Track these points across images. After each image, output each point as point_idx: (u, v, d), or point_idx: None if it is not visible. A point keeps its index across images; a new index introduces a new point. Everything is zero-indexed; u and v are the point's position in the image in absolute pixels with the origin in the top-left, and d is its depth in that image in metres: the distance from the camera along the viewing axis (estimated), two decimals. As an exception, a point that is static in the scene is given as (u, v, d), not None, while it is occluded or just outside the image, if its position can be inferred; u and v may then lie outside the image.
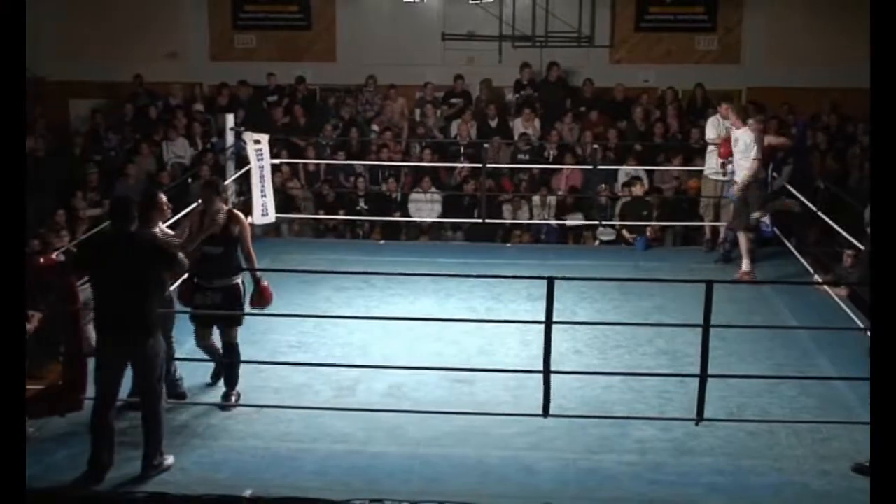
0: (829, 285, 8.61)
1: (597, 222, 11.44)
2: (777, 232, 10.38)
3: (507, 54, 13.68)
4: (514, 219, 11.75)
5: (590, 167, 11.69)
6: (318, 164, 12.37)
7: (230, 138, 10.52)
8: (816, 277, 9.28)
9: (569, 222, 11.75)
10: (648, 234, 10.98)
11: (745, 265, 9.33)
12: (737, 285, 8.96)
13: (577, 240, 11.81)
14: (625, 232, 11.17)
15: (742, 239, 9.44)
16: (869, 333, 6.96)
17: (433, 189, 11.90)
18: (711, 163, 10.31)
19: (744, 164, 9.35)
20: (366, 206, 11.93)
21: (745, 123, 9.49)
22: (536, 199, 11.89)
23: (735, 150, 9.50)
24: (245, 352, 6.79)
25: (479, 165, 11.32)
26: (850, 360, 7.03)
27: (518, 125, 13.22)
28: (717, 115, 10.37)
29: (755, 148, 9.31)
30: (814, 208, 9.46)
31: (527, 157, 12.49)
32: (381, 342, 7.51)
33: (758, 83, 14.17)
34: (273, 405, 6.20)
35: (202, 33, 14.51)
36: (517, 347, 7.45)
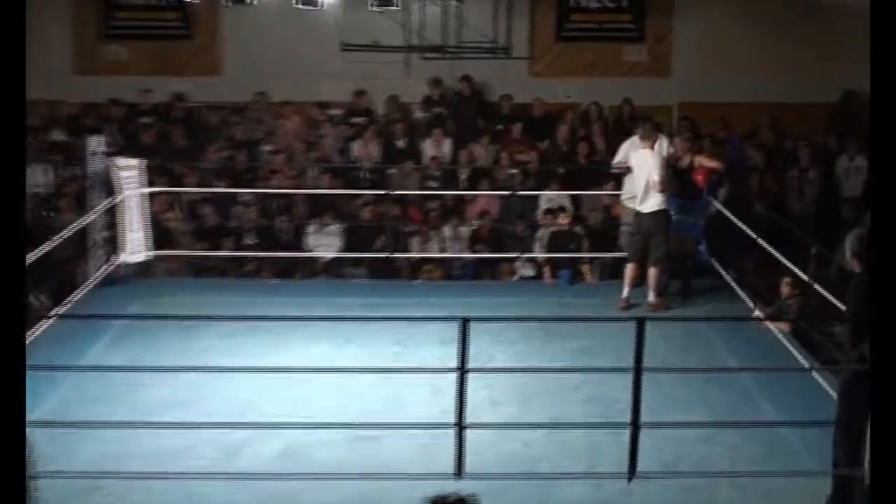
0: (770, 320, 8.83)
1: (515, 255, 11.53)
2: (714, 262, 10.52)
3: (415, 67, 13.82)
4: (422, 252, 11.70)
5: (508, 193, 11.70)
6: (199, 193, 12.15)
7: (96, 164, 10.28)
8: (757, 312, 9.46)
9: (486, 255, 11.75)
10: (586, 277, 11.19)
11: (650, 296, 9.83)
12: (672, 322, 9.23)
13: (493, 275, 11.78)
14: (546, 270, 11.29)
15: (652, 271, 9.87)
16: (814, 373, 7.23)
17: (332, 220, 11.80)
18: (630, 187, 10.47)
19: (646, 189, 9.78)
20: (255, 241, 11.77)
21: (650, 144, 9.86)
22: (448, 229, 11.88)
23: (640, 174, 9.82)
24: (112, 411, 6.58)
25: (384, 193, 11.35)
26: (794, 402, 7.21)
27: (427, 147, 13.25)
28: (637, 137, 10.51)
29: (658, 169, 9.73)
30: (753, 235, 9.65)
31: (437, 182, 12.50)
32: (273, 397, 7.44)
33: (691, 97, 14.55)
34: (144, 474, 5.97)
35: (65, 43, 14.17)
36: (428, 398, 7.45)
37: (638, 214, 9.87)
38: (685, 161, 10.14)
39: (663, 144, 10.09)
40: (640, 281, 10.09)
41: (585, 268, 11.30)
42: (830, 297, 7.82)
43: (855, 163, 12.78)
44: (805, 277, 8.62)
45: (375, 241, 11.77)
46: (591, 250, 11.43)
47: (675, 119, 14.23)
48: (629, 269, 9.92)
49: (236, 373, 7.51)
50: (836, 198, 12.63)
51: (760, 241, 9.57)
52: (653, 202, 9.72)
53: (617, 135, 13.30)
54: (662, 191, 9.68)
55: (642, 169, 9.79)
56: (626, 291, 9.84)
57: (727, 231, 10.63)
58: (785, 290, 9.47)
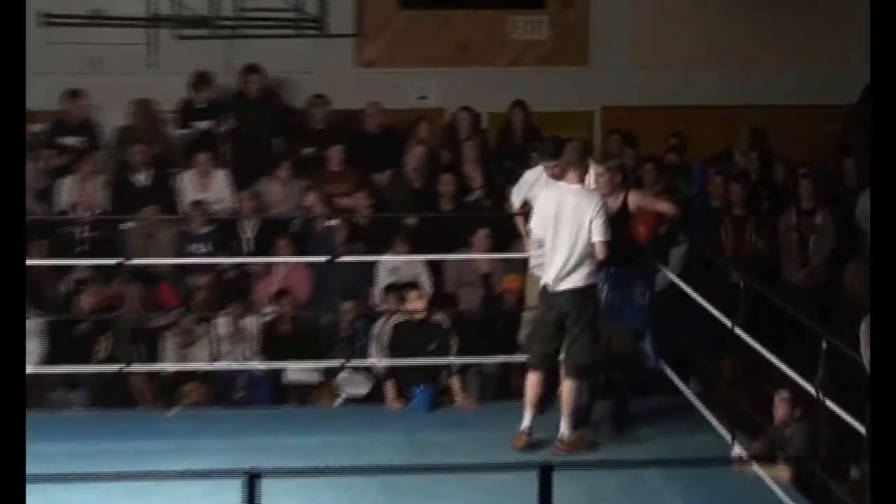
0: (759, 461, 8.93)
1: (338, 363, 11.57)
2: (665, 367, 10.70)
3: (169, 51, 13.75)
4: (182, 361, 11.67)
5: (325, 260, 11.74)
6: None
7: None
8: (736, 448, 9.56)
9: (288, 364, 11.61)
10: (457, 397, 11.26)
11: (563, 426, 9.87)
12: (599, 470, 9.28)
13: (303, 397, 11.82)
14: (390, 386, 11.27)
15: (567, 386, 9.91)
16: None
17: (27, 311, 11.51)
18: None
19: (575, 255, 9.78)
20: None
21: (577, 175, 9.89)
22: (224, 322, 11.77)
23: (550, 225, 9.87)
24: None
25: (115, 262, 11.40)
26: None
27: (188, 184, 13.14)
28: (542, 167, 10.62)
29: (600, 223, 9.73)
30: (726, 322, 9.77)
31: (205, 244, 12.49)
32: None
33: (622, 99, 14.86)
34: None
35: None
36: None
37: (548, 294, 9.88)
38: (615, 202, 10.24)
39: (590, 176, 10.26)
40: (547, 402, 10.20)
41: (454, 382, 11.33)
42: (852, 421, 7.92)
43: (885, 201, 12.97)
44: (812, 390, 8.58)
45: (101, 343, 11.62)
46: (462, 352, 11.42)
47: (597, 133, 14.63)
48: (531, 383, 9.95)
49: None
50: (855, 258, 12.82)
51: (739, 331, 9.63)
52: (579, 275, 9.78)
53: (504, 160, 13.47)
54: (605, 258, 9.83)
55: (565, 219, 9.81)
56: (526, 419, 9.90)
57: (686, 316, 10.89)
58: (781, 411, 9.55)
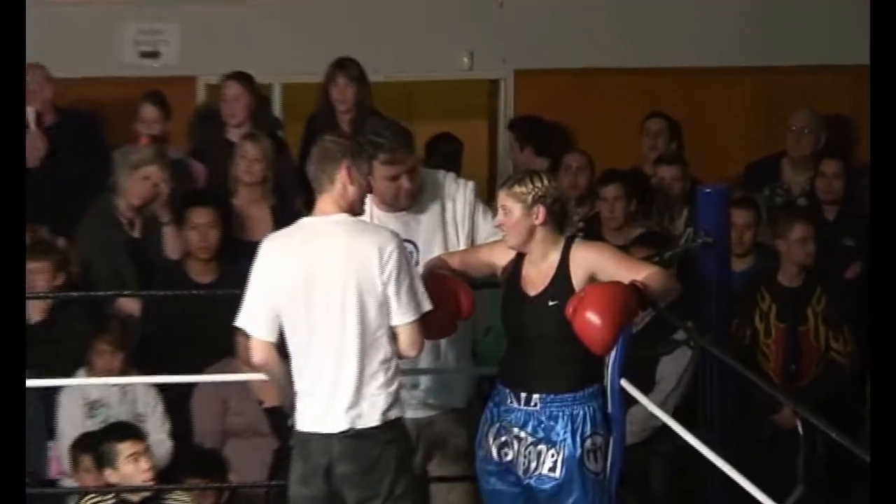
0: None
1: None
2: None
3: None
4: None
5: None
6: None
7: None
8: None
9: None
10: None
11: None
12: None
13: None
14: None
15: None
16: None
17: None
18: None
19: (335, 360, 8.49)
20: None
21: (335, 197, 8.47)
22: None
23: (298, 311, 8.19)
24: None
25: None
26: None
27: None
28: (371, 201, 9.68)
29: (399, 286, 8.42)
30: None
31: None
32: None
33: (549, 58, 12.97)
34: None
35: None
36: None
37: (308, 444, 8.21)
38: (542, 264, 8.58)
39: (457, 205, 8.73)
40: None
41: None
42: None
43: None
44: None
45: None
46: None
47: (501, 121, 12.70)
48: None
49: None
50: None
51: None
52: (367, 403, 7.99)
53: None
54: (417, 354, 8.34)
55: (324, 291, 8.31)
56: None
57: (689, 494, 9.76)
58: None
